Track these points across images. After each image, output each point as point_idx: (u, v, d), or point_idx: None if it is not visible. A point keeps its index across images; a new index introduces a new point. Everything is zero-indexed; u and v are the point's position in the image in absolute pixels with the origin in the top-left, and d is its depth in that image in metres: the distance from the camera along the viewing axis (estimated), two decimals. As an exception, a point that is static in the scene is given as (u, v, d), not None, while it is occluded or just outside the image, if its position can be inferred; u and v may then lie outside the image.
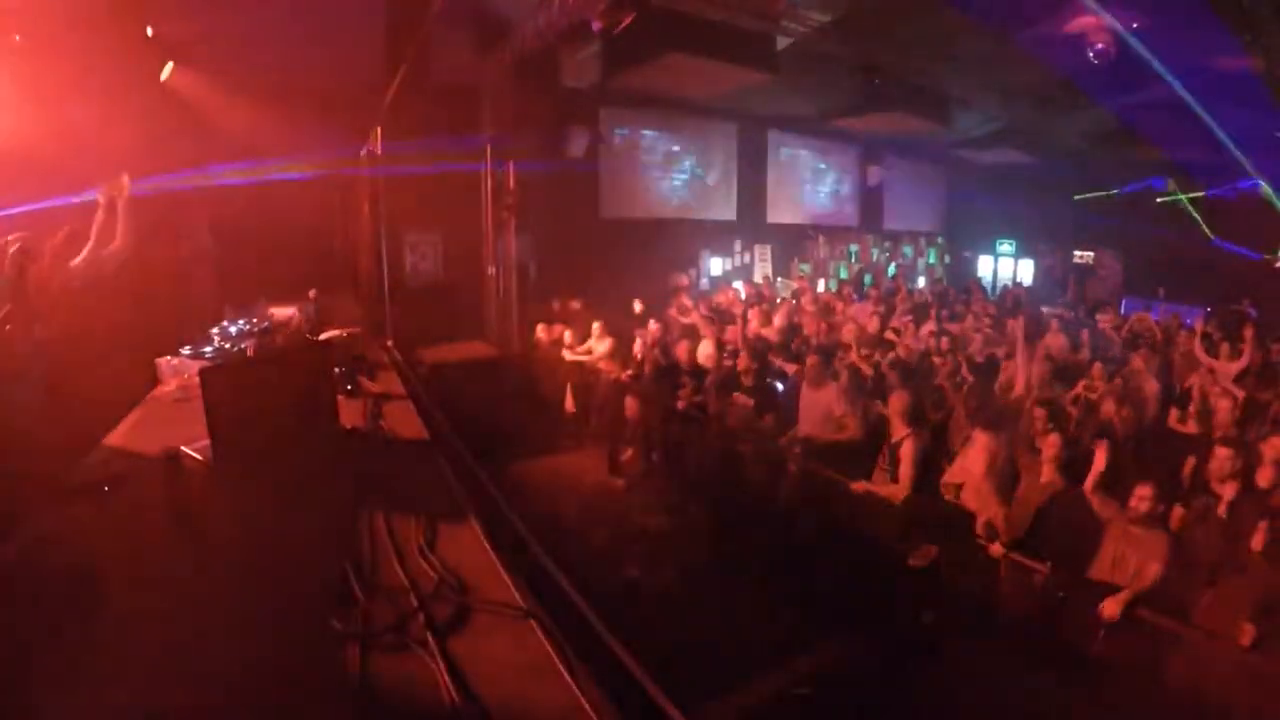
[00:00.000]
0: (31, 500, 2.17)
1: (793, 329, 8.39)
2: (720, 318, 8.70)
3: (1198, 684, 3.35)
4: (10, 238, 1.79)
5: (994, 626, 4.11)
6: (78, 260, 3.50)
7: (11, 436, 2.64)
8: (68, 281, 3.35)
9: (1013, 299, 11.49)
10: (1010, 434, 5.01)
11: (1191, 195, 12.36)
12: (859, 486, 4.83)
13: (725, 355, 7.36)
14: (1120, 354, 7.38)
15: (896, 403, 4.82)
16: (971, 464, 4.52)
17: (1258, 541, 3.48)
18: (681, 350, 7.35)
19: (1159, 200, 13.01)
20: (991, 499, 4.33)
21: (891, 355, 6.98)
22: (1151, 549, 3.74)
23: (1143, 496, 3.79)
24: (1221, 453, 4.08)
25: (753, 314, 8.64)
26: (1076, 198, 13.96)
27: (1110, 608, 3.61)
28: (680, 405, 6.58)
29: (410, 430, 3.24)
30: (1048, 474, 4.35)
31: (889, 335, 8.14)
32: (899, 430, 4.81)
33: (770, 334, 8.12)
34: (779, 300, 10.95)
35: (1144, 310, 10.69)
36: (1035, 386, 5.78)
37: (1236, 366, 6.49)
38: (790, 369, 6.72)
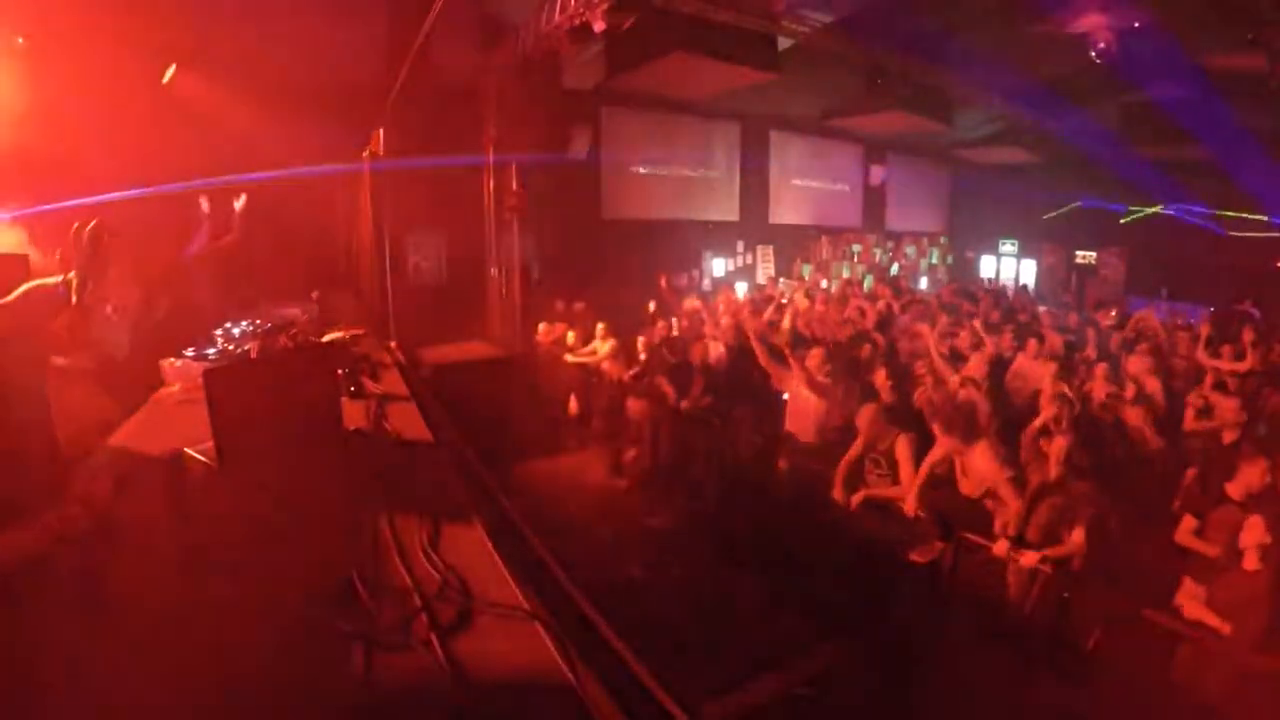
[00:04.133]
0: (37, 501, 2.18)
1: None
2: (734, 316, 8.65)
3: (1197, 684, 3.35)
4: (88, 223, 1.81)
5: (996, 624, 4.11)
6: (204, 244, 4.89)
7: (22, 435, 2.65)
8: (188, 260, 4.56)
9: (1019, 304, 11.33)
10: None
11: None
12: (858, 498, 4.76)
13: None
14: (1120, 353, 7.36)
15: (868, 410, 4.80)
16: (982, 460, 4.51)
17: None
18: (696, 350, 7.30)
19: (1122, 221, 13.05)
20: (1008, 496, 4.32)
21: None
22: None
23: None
24: (1262, 464, 4.00)
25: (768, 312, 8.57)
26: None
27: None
28: (685, 405, 6.56)
29: (413, 431, 3.25)
30: (1055, 473, 4.36)
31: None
32: (885, 433, 4.77)
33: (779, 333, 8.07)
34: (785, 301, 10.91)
35: (1147, 309, 10.65)
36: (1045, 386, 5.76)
37: (1240, 368, 6.44)
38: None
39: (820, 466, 5.33)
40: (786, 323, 7.47)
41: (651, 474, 6.60)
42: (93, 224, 1.80)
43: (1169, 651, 3.52)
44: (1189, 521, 4.11)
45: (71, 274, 1.81)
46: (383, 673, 1.43)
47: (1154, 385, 6.11)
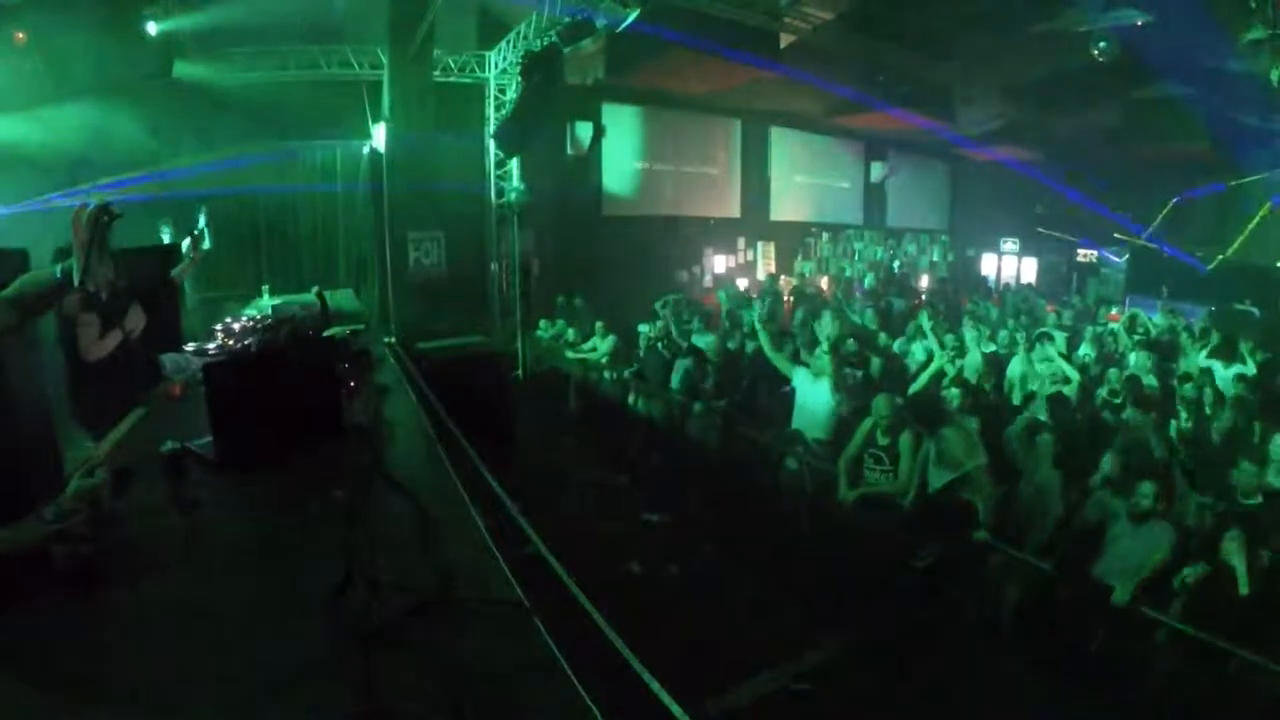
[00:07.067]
0: (36, 496, 2.18)
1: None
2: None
3: (1195, 684, 3.35)
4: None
5: (997, 624, 4.11)
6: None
7: (21, 430, 2.65)
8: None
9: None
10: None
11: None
12: (854, 495, 4.69)
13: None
14: (1120, 352, 7.34)
15: (886, 402, 4.75)
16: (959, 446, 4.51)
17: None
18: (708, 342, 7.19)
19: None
20: (985, 482, 4.33)
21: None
22: (1155, 540, 3.76)
23: (1144, 494, 3.82)
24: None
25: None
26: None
27: (1120, 594, 3.63)
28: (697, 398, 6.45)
29: (413, 426, 3.24)
30: (1044, 470, 4.37)
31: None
32: (893, 427, 4.74)
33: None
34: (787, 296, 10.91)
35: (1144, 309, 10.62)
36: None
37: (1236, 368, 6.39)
38: None
39: (831, 467, 5.24)
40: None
41: (652, 469, 6.60)
42: (94, 205, 1.77)
43: (1169, 652, 3.52)
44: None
45: (70, 263, 1.79)
46: (381, 669, 1.43)
47: (1151, 383, 6.10)
